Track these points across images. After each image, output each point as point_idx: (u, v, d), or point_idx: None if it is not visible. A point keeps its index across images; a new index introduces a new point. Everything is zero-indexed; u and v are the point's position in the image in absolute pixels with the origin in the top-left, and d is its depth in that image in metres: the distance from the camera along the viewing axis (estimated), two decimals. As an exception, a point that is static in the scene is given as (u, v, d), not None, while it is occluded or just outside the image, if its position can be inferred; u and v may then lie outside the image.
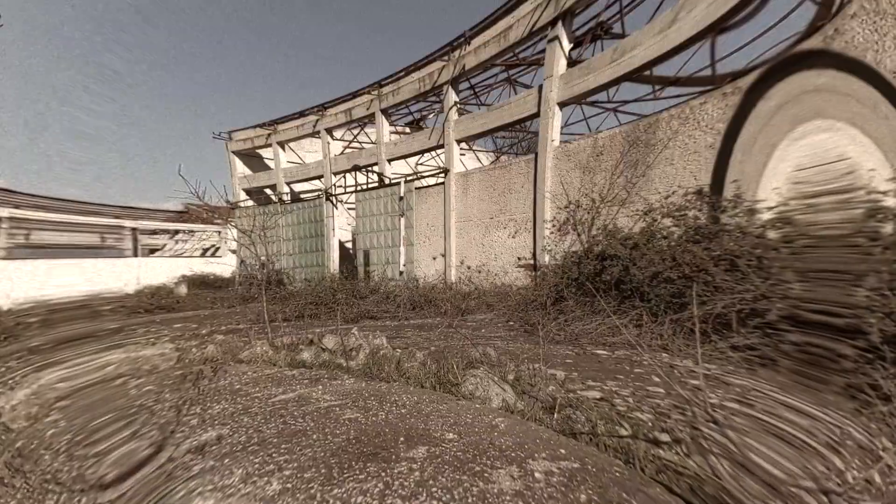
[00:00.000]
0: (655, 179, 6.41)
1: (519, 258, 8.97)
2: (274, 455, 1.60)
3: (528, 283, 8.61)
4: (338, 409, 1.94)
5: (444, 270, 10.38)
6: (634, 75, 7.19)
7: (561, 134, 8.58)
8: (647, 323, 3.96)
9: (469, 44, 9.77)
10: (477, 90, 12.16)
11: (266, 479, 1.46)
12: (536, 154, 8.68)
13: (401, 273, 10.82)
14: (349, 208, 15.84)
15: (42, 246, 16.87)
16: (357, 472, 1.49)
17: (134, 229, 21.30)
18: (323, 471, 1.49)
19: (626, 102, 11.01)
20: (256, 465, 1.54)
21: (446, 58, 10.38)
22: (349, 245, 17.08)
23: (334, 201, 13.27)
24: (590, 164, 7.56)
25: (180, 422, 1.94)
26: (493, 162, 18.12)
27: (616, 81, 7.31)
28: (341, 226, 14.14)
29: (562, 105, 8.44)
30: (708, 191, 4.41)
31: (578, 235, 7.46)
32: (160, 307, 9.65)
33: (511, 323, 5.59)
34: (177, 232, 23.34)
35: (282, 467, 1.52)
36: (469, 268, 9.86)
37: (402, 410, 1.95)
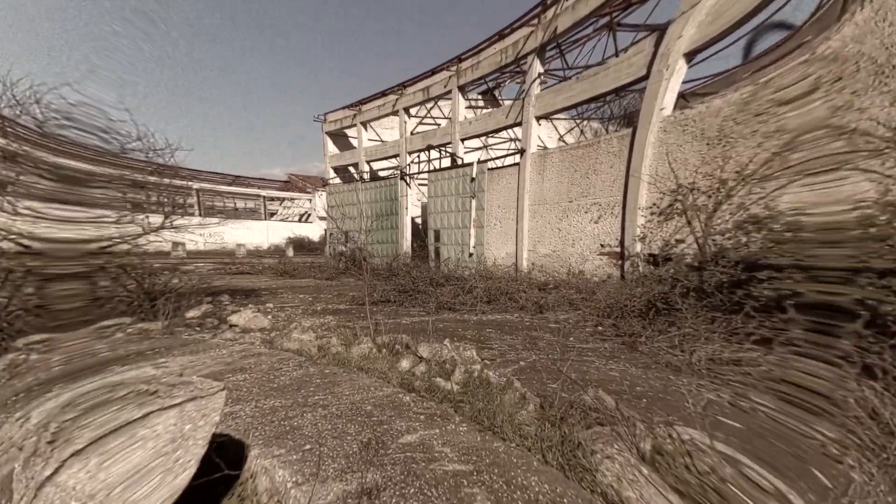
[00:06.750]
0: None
1: (602, 245, 7.48)
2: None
3: (612, 272, 7.12)
4: (465, 482, 1.46)
5: (515, 254, 9.30)
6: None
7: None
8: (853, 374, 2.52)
9: None
10: (563, 49, 9.81)
11: None
12: (635, 128, 6.88)
13: (470, 255, 10.02)
14: (420, 184, 15.34)
15: (222, 211, 23.78)
16: None
17: (264, 197, 25.65)
18: None
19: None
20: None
21: (535, 21, 8.73)
22: (419, 221, 16.78)
23: (408, 181, 12.81)
24: (725, 130, 5.57)
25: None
26: (571, 130, 15.78)
27: None
28: (412, 202, 13.74)
29: (691, 55, 6.28)
30: None
31: (689, 223, 5.72)
32: (286, 272, 11.42)
33: (600, 328, 4.42)
34: (283, 199, 27.33)
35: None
36: (542, 253, 8.62)
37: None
